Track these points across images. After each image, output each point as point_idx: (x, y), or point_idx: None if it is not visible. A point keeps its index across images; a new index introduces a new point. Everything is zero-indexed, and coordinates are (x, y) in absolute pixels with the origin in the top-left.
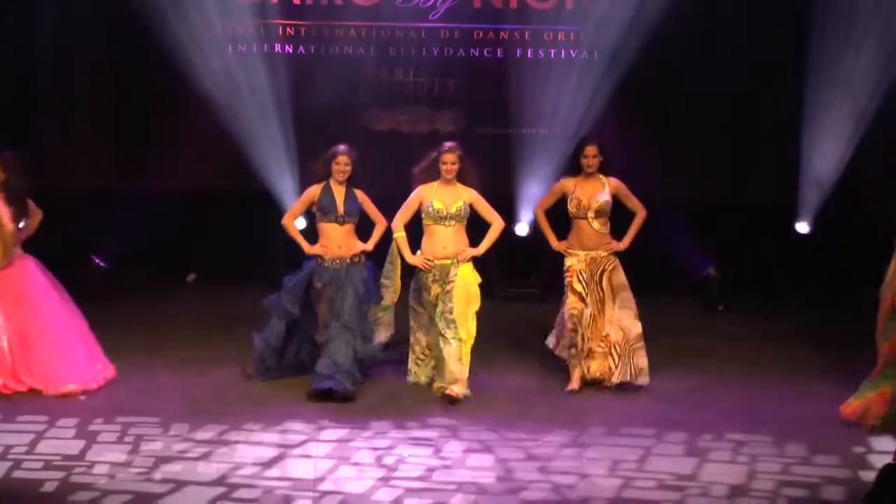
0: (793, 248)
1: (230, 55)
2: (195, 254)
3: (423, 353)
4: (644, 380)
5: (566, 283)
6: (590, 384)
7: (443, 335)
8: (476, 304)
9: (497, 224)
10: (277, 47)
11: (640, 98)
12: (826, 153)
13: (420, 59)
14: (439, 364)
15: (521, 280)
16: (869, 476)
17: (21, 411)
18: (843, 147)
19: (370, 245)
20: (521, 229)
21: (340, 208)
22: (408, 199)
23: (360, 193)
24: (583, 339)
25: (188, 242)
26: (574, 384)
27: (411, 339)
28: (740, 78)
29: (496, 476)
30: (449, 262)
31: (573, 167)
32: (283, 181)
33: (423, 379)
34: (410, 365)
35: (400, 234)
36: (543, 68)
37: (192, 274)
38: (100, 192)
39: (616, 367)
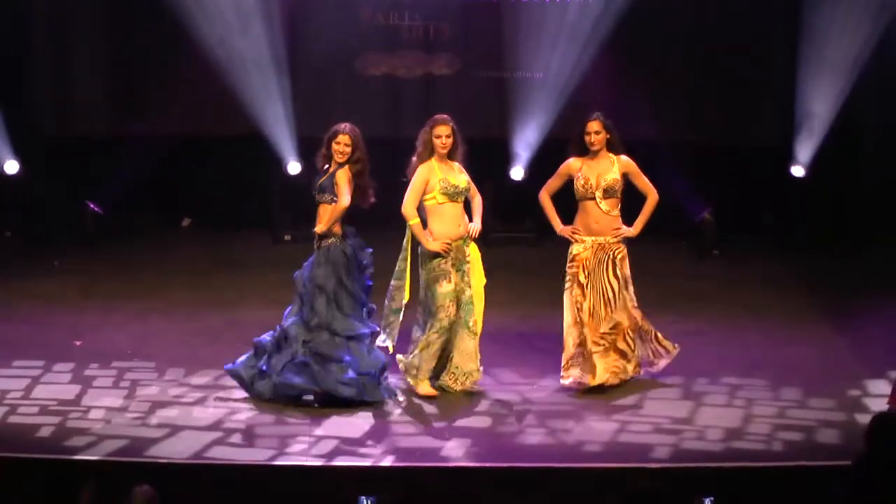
0: (789, 192)
1: (226, 1)
2: (190, 199)
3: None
4: (664, 361)
5: (570, 273)
6: (593, 390)
7: (466, 327)
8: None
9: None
10: None
11: (635, 41)
12: (822, 95)
13: (415, 2)
14: (449, 355)
15: (516, 224)
16: (864, 419)
17: (17, 356)
18: (838, 89)
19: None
20: (517, 173)
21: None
22: (412, 183)
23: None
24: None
25: (183, 188)
26: (597, 379)
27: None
28: (736, 20)
29: (492, 420)
30: (462, 241)
31: (579, 147)
32: (278, 127)
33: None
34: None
35: (415, 221)
36: (538, 11)
37: (188, 219)
38: (95, 139)
39: (632, 353)
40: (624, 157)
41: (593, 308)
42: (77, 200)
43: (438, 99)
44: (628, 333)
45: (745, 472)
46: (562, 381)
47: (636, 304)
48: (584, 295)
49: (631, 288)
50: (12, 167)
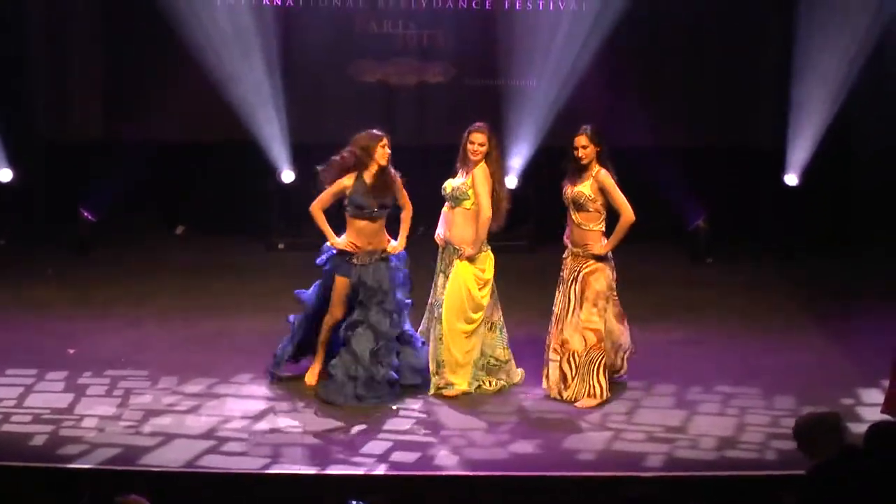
0: (783, 198)
1: (218, 7)
2: (184, 206)
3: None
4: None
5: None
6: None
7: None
8: None
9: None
10: None
11: (628, 48)
12: (817, 99)
13: (409, 10)
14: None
15: (509, 232)
16: (857, 428)
17: (10, 365)
18: (833, 93)
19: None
20: (510, 181)
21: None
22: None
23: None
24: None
25: (177, 195)
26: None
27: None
28: (730, 26)
29: (486, 429)
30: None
31: (571, 159)
32: (270, 133)
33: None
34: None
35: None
36: (532, 19)
37: (181, 226)
38: (89, 145)
39: (572, 380)
40: (602, 172)
41: (558, 316)
42: (71, 206)
43: (432, 107)
44: (574, 357)
45: (738, 480)
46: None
47: (597, 326)
48: (555, 302)
49: (592, 308)
50: (6, 175)
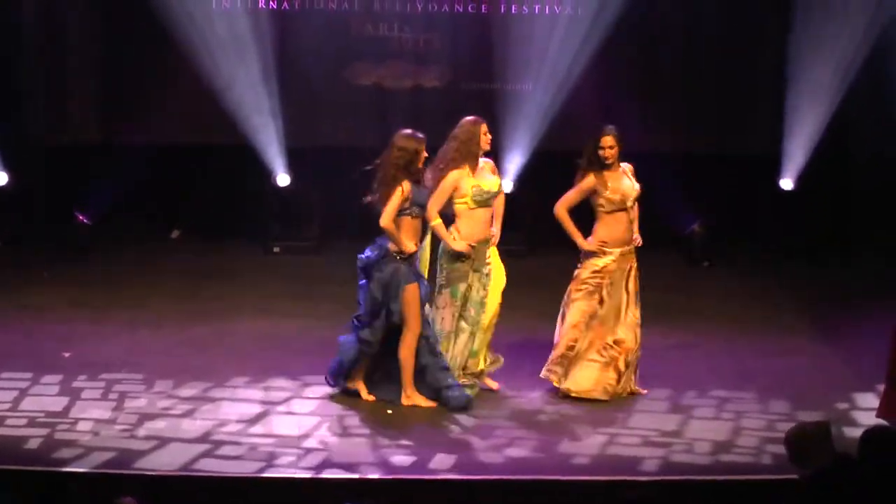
0: (779, 203)
1: (215, 10)
2: (180, 209)
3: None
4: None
5: (592, 284)
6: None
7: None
8: None
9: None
10: (262, 2)
11: (624, 52)
12: (813, 104)
13: (405, 14)
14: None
15: (505, 236)
16: (853, 432)
17: (5, 368)
18: (830, 98)
19: None
20: (506, 185)
21: None
22: (441, 187)
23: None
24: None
25: (173, 198)
26: (579, 390)
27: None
28: (727, 30)
29: (481, 433)
30: (485, 243)
31: (595, 161)
32: (266, 136)
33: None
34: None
35: (438, 222)
36: (528, 23)
37: (177, 230)
38: (85, 149)
39: (622, 376)
40: (628, 165)
41: (605, 317)
42: (68, 209)
43: (427, 110)
44: (629, 355)
45: (733, 485)
46: (542, 374)
47: (640, 323)
48: (601, 305)
49: (638, 304)
50: (2, 178)
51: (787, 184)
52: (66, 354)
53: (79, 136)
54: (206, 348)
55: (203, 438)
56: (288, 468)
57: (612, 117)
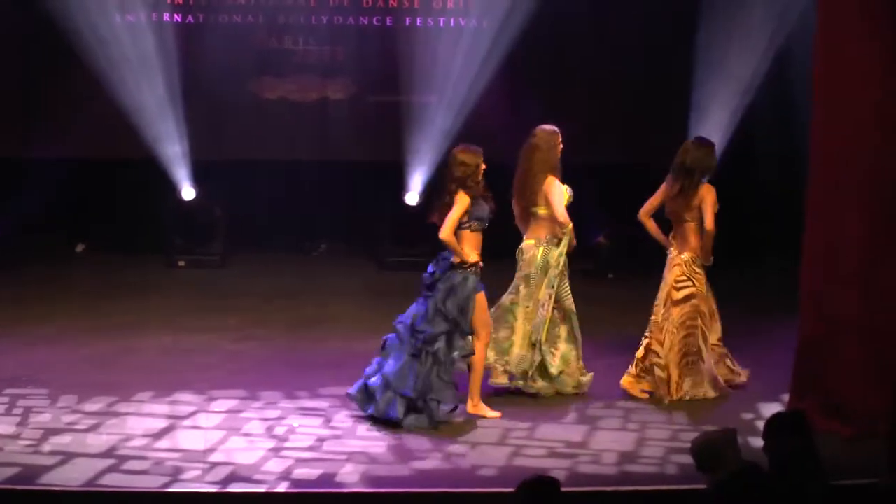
0: None
1: (119, 24)
2: (85, 224)
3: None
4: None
5: (699, 285)
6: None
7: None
8: None
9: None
10: (166, 16)
11: (530, 64)
12: (718, 114)
13: (309, 26)
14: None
15: (411, 248)
16: (758, 443)
17: None
18: (731, 112)
19: None
20: (412, 198)
21: None
22: (557, 195)
23: None
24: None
25: (77, 212)
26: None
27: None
28: (633, 43)
29: (387, 445)
30: None
31: (705, 173)
32: (172, 150)
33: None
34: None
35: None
36: (433, 35)
37: (81, 244)
38: None
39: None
40: None
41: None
42: None
43: (334, 123)
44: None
45: (639, 495)
46: (637, 392)
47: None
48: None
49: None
50: None
51: None
52: None
53: None
54: (112, 363)
55: (108, 453)
56: (194, 482)
57: (517, 129)
